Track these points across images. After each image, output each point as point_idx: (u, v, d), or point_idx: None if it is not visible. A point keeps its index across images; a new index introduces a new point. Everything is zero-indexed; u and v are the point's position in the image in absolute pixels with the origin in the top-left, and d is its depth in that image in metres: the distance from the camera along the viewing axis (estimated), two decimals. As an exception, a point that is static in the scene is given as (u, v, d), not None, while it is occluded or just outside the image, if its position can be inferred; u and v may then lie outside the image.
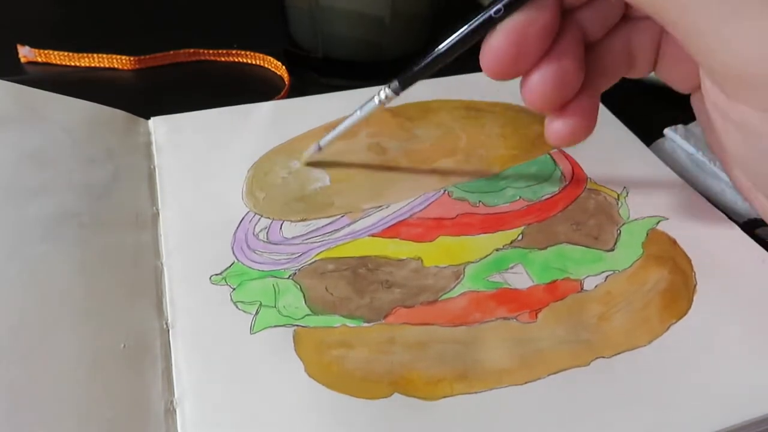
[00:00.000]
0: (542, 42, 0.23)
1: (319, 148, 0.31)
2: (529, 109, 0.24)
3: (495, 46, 0.23)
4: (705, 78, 0.22)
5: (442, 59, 0.25)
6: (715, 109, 0.22)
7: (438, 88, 0.37)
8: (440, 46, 0.24)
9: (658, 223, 0.29)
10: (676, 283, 0.27)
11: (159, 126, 0.34)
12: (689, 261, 0.28)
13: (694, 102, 0.25)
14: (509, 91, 0.32)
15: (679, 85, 0.25)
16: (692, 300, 0.26)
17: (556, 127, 0.24)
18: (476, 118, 0.36)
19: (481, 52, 0.23)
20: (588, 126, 0.24)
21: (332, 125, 0.34)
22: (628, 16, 0.24)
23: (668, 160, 0.35)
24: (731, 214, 0.32)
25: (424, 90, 0.37)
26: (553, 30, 0.23)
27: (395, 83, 0.26)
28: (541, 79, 0.23)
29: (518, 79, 0.24)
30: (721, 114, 0.21)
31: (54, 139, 0.31)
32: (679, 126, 0.37)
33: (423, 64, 0.25)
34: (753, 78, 0.19)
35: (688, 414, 0.23)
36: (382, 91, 0.27)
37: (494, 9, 0.22)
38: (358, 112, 0.29)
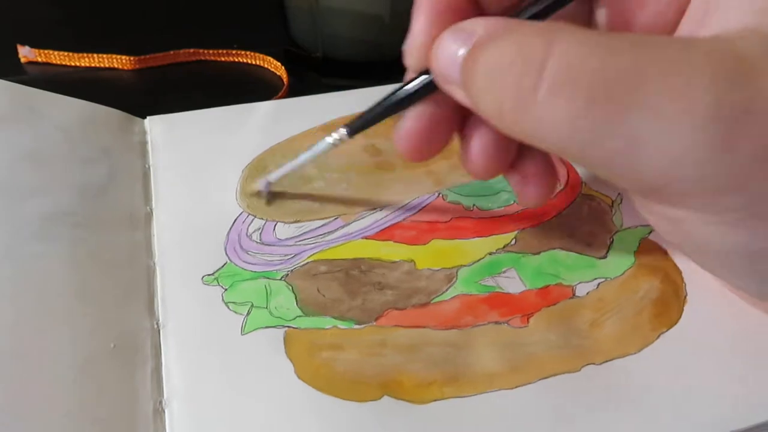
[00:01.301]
0: (449, 126, 0.23)
1: (269, 184, 0.30)
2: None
3: (405, 129, 0.23)
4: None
5: (391, 111, 0.24)
6: (640, 208, 0.22)
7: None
8: (389, 99, 0.24)
9: (650, 232, 0.29)
10: (666, 293, 0.27)
11: (155, 125, 0.34)
12: (680, 272, 0.28)
13: None
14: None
15: None
16: (682, 310, 0.26)
17: (525, 193, 0.24)
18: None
19: (394, 135, 0.24)
20: (547, 184, 0.24)
21: (328, 127, 0.34)
22: None
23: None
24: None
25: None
26: (456, 118, 0.23)
27: (348, 129, 0.26)
28: (473, 154, 0.23)
29: None
30: (646, 211, 0.21)
31: (49, 138, 0.31)
32: None
33: (372, 114, 0.25)
34: (672, 188, 0.18)
35: (676, 422, 0.23)
36: (335, 134, 0.26)
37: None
38: (309, 152, 0.28)
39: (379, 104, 0.24)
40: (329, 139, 0.27)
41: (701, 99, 0.16)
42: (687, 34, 0.19)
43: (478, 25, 0.19)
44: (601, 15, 0.22)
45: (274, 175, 0.30)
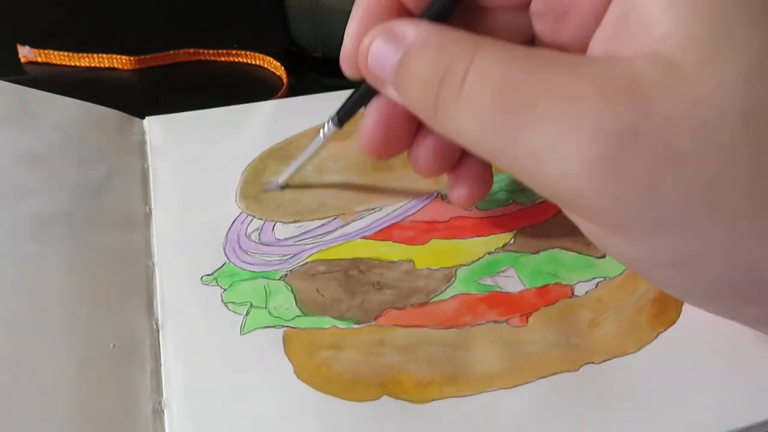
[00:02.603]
0: (408, 124, 0.24)
1: (279, 187, 0.31)
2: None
3: (367, 127, 0.25)
4: None
5: (366, 98, 0.25)
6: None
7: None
8: (363, 86, 0.25)
9: None
10: (665, 293, 0.27)
11: (154, 125, 0.34)
12: None
13: None
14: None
15: None
16: (681, 310, 0.26)
17: (454, 193, 0.27)
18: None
19: (359, 132, 0.25)
20: (479, 190, 0.26)
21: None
22: None
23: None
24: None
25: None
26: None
27: (335, 118, 0.27)
28: (420, 152, 0.25)
29: None
30: (575, 221, 0.21)
31: (47, 138, 0.31)
32: None
33: (352, 99, 0.26)
34: (568, 202, 0.19)
35: (675, 422, 0.23)
36: (325, 128, 0.27)
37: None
38: (307, 151, 0.29)
39: (354, 92, 0.26)
40: (321, 135, 0.28)
41: (586, 120, 0.17)
42: (601, 53, 0.20)
43: (408, 30, 0.21)
44: (538, 27, 0.23)
45: (281, 178, 0.31)
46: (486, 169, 0.26)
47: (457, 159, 0.26)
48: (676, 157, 0.16)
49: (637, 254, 0.19)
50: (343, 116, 0.27)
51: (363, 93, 0.25)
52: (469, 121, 0.19)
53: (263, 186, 0.31)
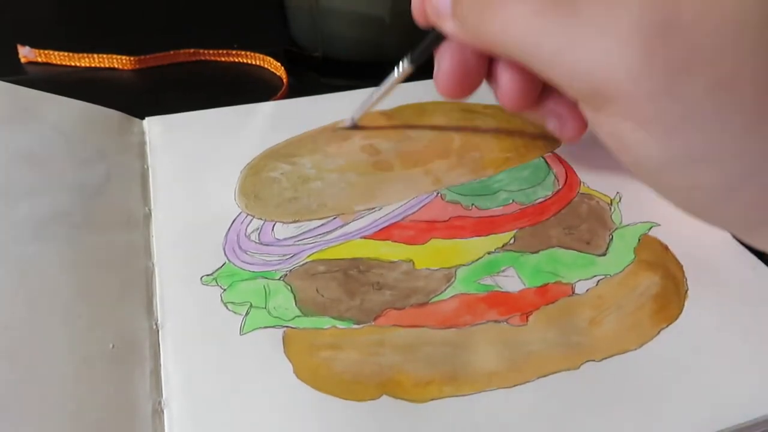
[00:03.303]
0: (477, 62, 0.25)
1: (354, 123, 0.34)
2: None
3: (442, 70, 0.26)
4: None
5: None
6: (592, 125, 0.23)
7: (433, 90, 0.37)
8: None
9: (650, 229, 0.29)
10: (667, 289, 0.27)
11: (153, 126, 0.34)
12: (681, 267, 0.28)
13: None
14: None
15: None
16: (683, 306, 0.26)
17: (554, 126, 0.27)
18: (471, 120, 0.36)
19: (434, 76, 0.26)
20: (576, 120, 0.26)
21: (327, 128, 0.35)
22: None
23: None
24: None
25: (420, 92, 0.37)
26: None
27: (409, 57, 0.29)
28: (501, 86, 0.26)
29: None
30: (597, 128, 0.22)
31: (47, 138, 0.31)
32: None
33: (425, 43, 0.28)
34: (606, 94, 0.20)
35: (676, 418, 0.22)
36: (400, 66, 0.30)
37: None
38: (382, 86, 0.31)
39: (426, 37, 0.27)
40: (395, 72, 0.30)
41: (628, 12, 0.18)
42: None
43: None
44: None
45: (356, 114, 0.34)
46: (571, 108, 0.26)
47: (539, 91, 0.26)
48: (701, 54, 0.18)
49: (655, 151, 0.20)
50: (417, 56, 0.29)
51: (433, 38, 0.26)
52: (515, 19, 0.21)
53: (339, 124, 0.34)
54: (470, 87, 0.26)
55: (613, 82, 0.19)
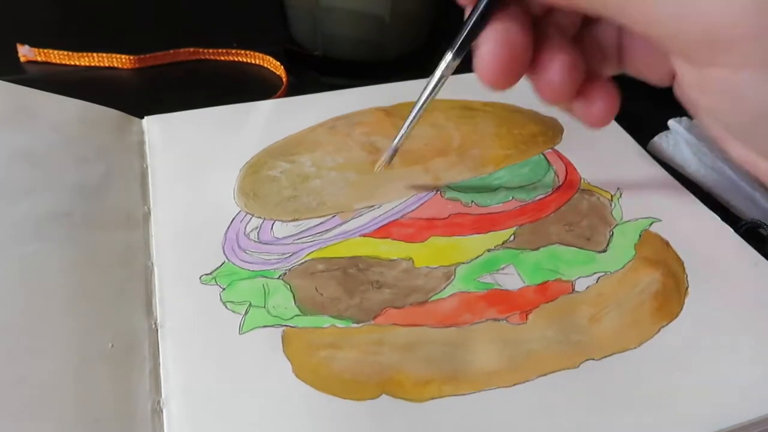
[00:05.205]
0: (524, 47, 0.23)
1: (395, 150, 0.29)
2: (547, 102, 0.24)
3: (485, 56, 0.23)
4: (675, 60, 0.21)
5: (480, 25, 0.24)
6: (695, 89, 0.22)
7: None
8: (475, 11, 0.24)
9: (651, 224, 0.29)
10: (667, 286, 0.27)
11: (152, 125, 0.34)
12: (681, 263, 0.28)
13: (677, 93, 0.25)
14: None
15: (652, 78, 0.25)
16: (684, 302, 0.26)
17: (583, 111, 0.25)
18: (471, 117, 0.36)
19: (474, 62, 0.24)
20: (613, 102, 0.25)
21: (327, 124, 0.34)
22: (587, 18, 0.24)
23: (670, 153, 0.35)
24: (735, 211, 0.32)
25: (420, 90, 0.37)
26: (530, 36, 0.23)
27: (453, 48, 0.26)
28: (549, 74, 0.24)
29: None
30: (702, 90, 0.21)
31: (45, 138, 0.31)
32: (684, 118, 0.36)
33: (468, 27, 0.24)
34: (721, 37, 0.18)
35: (677, 416, 0.22)
36: (444, 62, 0.26)
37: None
38: (427, 89, 0.28)
39: (468, 18, 0.24)
40: (439, 72, 0.26)
41: None
42: None
43: None
44: None
45: (397, 139, 0.28)
46: (612, 84, 0.25)
47: (583, 78, 0.25)
48: None
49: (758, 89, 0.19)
50: (462, 45, 0.25)
51: (477, 20, 0.24)
52: None
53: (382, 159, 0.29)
54: (517, 73, 0.24)
55: (729, 25, 0.18)
